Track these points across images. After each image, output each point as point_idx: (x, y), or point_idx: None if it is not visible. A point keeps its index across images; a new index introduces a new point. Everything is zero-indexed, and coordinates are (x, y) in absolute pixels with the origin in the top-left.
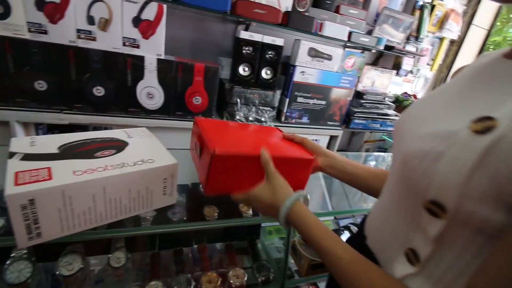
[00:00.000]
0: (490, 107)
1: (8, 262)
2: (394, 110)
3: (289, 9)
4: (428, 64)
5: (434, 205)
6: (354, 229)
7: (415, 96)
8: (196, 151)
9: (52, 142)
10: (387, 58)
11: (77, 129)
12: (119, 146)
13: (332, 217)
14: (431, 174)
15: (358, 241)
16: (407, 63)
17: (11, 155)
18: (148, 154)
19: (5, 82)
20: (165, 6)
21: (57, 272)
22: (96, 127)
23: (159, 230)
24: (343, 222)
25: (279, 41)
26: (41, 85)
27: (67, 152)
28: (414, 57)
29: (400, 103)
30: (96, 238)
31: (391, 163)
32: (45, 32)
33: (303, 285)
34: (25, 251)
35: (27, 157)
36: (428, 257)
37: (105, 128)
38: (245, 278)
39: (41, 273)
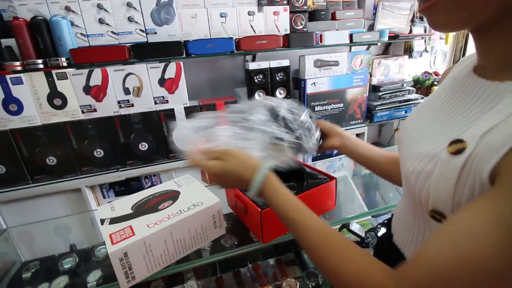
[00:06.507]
0: (462, 128)
1: None
2: (416, 93)
3: (288, 31)
4: (441, 38)
5: (436, 213)
6: None
7: (436, 73)
8: (238, 206)
9: (126, 204)
10: (397, 44)
11: (132, 181)
12: (174, 196)
13: (369, 216)
14: (427, 190)
15: (388, 240)
16: (418, 44)
17: (102, 221)
18: (196, 198)
19: (71, 157)
20: (181, 63)
21: None
22: (147, 176)
23: (217, 258)
24: (382, 218)
25: (285, 62)
26: (99, 152)
27: (138, 210)
28: (422, 37)
29: (421, 83)
30: (172, 273)
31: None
32: (95, 110)
33: None
34: None
35: (113, 220)
36: None
37: (154, 176)
38: (297, 287)
39: None
